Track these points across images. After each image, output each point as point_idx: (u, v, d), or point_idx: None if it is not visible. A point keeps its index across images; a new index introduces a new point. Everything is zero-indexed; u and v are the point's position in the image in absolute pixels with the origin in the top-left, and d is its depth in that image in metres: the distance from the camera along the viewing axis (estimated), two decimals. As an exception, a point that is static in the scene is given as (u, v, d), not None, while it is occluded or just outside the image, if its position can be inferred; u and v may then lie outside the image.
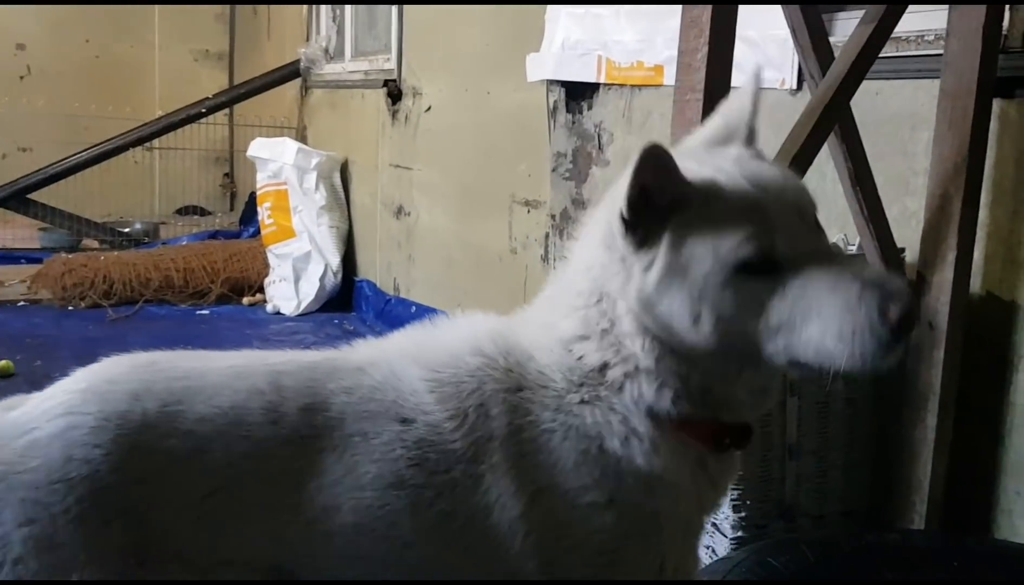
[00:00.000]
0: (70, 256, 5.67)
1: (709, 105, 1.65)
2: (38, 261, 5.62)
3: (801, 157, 1.77)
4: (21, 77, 7.59)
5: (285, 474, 1.15)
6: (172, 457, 1.13)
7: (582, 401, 1.18)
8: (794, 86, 2.56)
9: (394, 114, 5.36)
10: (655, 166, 1.07)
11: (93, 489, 1.11)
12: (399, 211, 5.36)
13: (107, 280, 5.24)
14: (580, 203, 3.60)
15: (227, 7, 8.20)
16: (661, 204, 1.09)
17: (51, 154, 6.47)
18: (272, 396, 1.17)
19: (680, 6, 1.74)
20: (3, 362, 3.49)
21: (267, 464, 1.15)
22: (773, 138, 2.63)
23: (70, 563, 1.10)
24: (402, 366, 1.22)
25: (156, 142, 6.72)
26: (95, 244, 6.52)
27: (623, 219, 1.11)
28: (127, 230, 6.80)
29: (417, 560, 1.16)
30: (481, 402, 1.18)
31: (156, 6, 7.91)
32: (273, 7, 7.39)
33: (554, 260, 3.78)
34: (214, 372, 1.21)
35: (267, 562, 1.16)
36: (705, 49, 1.63)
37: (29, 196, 6.19)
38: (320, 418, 1.16)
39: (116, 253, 5.86)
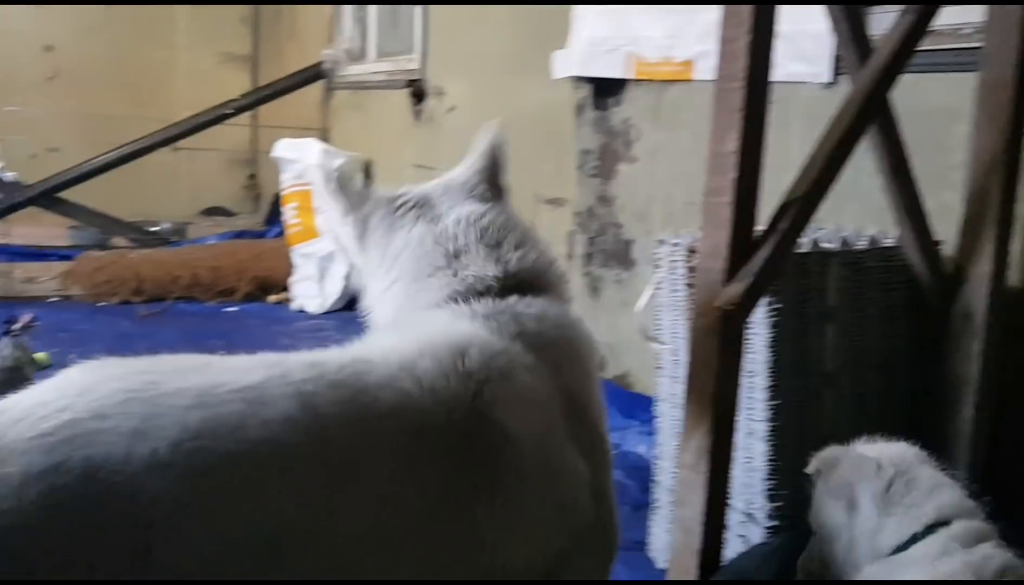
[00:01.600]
0: (101, 254, 5.73)
1: (751, 94, 1.66)
2: (68, 258, 5.67)
3: (840, 149, 1.77)
4: (49, 78, 7.66)
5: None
6: (185, 504, 0.99)
7: None
8: (829, 79, 2.57)
9: (417, 114, 5.39)
10: None
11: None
12: (423, 211, 5.39)
13: (137, 277, 5.29)
14: (606, 200, 3.62)
15: (251, 10, 8.25)
16: None
17: (79, 154, 6.52)
18: (306, 418, 1.08)
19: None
20: (40, 354, 3.53)
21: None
22: (807, 131, 2.65)
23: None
24: None
25: (182, 143, 6.78)
26: (124, 242, 6.58)
27: None
28: (155, 229, 6.85)
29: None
30: None
31: (181, 8, 7.97)
32: (297, 9, 7.43)
33: (579, 258, 3.80)
34: (230, 399, 1.06)
35: None
36: (747, 37, 1.64)
37: (59, 195, 6.25)
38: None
39: (146, 251, 5.92)
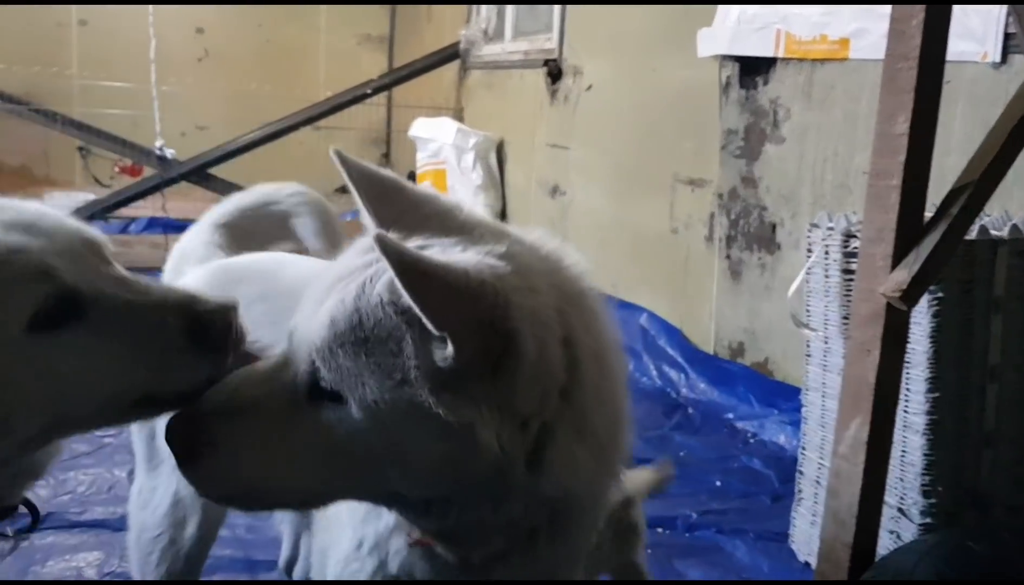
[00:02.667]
0: (246, 228, 5.99)
1: (924, 74, 1.59)
2: (217, 232, 5.97)
3: (1019, 132, 1.67)
4: (199, 59, 8.04)
5: None
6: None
7: None
8: (997, 59, 2.43)
9: (553, 94, 5.39)
10: None
11: None
12: (554, 191, 5.40)
13: (280, 251, 5.52)
14: (751, 181, 3.54)
15: (390, -10, 8.42)
16: None
17: (226, 132, 6.83)
18: None
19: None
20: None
21: None
22: (971, 113, 2.52)
23: None
24: None
25: (321, 122, 7.00)
26: (266, 218, 6.85)
27: None
28: (295, 205, 7.10)
29: None
30: None
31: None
32: (434, -11, 7.54)
33: (719, 240, 3.73)
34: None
35: None
36: (921, 15, 1.56)
37: (208, 171, 6.57)
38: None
39: (287, 227, 6.15)
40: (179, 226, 6.79)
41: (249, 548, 2.38)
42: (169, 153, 5.88)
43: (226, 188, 6.70)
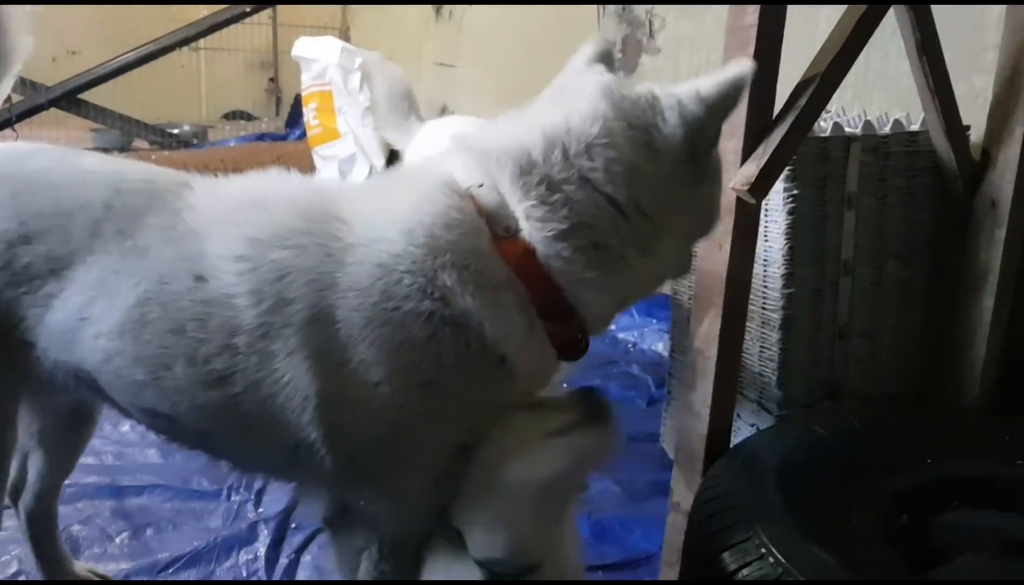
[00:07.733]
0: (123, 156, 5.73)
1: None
2: (90, 160, 5.69)
3: (864, 24, 1.69)
4: (67, -21, 7.56)
5: (85, 281, 1.30)
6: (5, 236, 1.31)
7: None
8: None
9: (438, 11, 5.26)
10: None
11: None
12: (443, 111, 5.32)
13: (158, 179, 5.30)
14: (629, 95, 3.53)
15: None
16: None
17: (99, 57, 6.47)
18: (99, 213, 1.32)
19: None
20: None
21: (71, 268, 1.30)
22: (838, 12, 2.55)
23: None
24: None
25: (201, 43, 6.69)
26: (146, 145, 6.57)
27: None
28: (176, 132, 6.83)
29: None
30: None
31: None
32: (316, -96, 7.23)
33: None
34: (72, 174, 1.37)
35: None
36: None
37: (80, 97, 6.22)
38: (129, 244, 1.30)
39: (167, 153, 5.90)
40: (48, 154, 6.37)
41: (116, 474, 2.32)
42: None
43: (101, 115, 6.37)
